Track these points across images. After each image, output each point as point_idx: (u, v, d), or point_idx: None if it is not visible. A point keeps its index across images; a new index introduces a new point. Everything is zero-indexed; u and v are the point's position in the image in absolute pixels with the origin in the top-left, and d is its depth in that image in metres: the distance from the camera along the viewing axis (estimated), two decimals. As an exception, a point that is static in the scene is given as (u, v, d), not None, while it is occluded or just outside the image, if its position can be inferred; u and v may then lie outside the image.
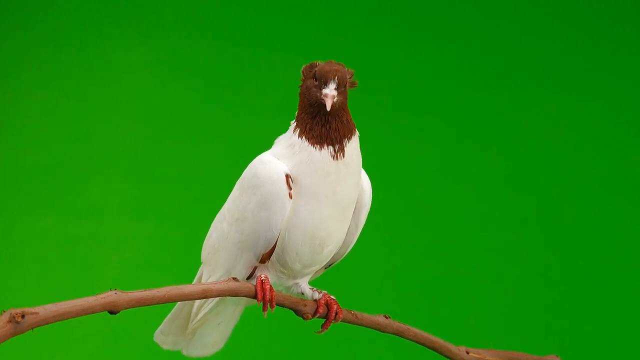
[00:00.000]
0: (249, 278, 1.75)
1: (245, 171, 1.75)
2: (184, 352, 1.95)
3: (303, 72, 1.74)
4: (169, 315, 1.91)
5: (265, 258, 1.72)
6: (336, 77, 1.68)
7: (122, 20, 3.11)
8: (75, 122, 3.05)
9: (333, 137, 1.68)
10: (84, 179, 3.01)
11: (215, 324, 1.91)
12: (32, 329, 1.49)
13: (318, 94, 1.68)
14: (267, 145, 1.77)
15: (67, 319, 1.53)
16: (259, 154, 1.75)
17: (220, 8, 3.15)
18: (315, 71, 1.70)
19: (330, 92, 1.67)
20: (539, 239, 3.01)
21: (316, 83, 1.69)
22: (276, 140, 1.76)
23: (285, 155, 1.71)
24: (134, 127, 3.06)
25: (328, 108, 1.65)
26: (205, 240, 1.84)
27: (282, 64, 3.07)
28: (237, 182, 1.77)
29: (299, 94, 1.74)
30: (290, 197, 1.68)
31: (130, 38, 3.10)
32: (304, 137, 1.69)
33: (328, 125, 1.69)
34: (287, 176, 1.69)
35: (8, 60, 3.08)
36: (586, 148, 3.06)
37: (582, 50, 3.12)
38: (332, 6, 3.14)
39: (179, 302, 1.88)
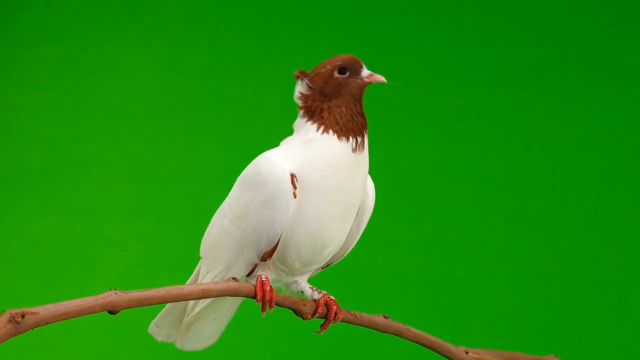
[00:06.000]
0: (248, 275, 1.75)
1: (247, 168, 1.75)
2: (178, 346, 1.95)
3: (317, 75, 1.75)
4: (163, 310, 1.91)
5: (266, 256, 1.72)
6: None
7: (123, 21, 3.11)
8: (75, 122, 3.05)
9: (361, 125, 1.72)
10: (84, 179, 3.01)
11: (210, 320, 1.91)
12: (32, 329, 1.49)
13: (359, 80, 1.74)
14: (267, 145, 1.77)
15: (67, 319, 1.52)
16: (259, 154, 1.74)
17: (220, 9, 3.15)
18: (340, 65, 1.74)
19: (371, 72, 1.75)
20: (538, 239, 3.01)
21: (346, 74, 1.73)
22: (282, 142, 1.76)
23: (297, 152, 1.71)
24: (134, 127, 3.06)
25: (385, 80, 1.74)
26: (204, 236, 1.84)
27: (282, 64, 3.06)
28: (238, 179, 1.77)
29: (320, 92, 1.74)
30: (295, 196, 1.68)
31: (131, 39, 3.10)
32: (330, 132, 1.71)
33: (358, 115, 1.72)
34: (292, 175, 1.68)
35: (8, 60, 3.08)
36: (586, 148, 3.06)
37: (582, 51, 3.12)
38: (332, 6, 3.14)
39: (174, 299, 1.89)
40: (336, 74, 1.73)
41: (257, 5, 3.14)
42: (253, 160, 1.74)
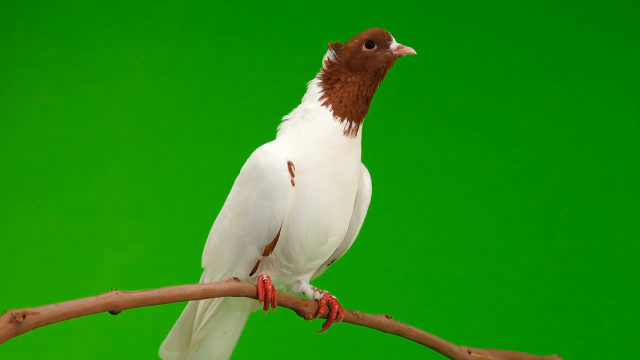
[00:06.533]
0: (251, 274, 1.74)
1: (245, 164, 1.75)
2: None
3: (345, 49, 1.74)
4: (173, 328, 1.90)
5: (268, 250, 1.71)
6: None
7: (122, 21, 3.11)
8: (75, 122, 3.05)
9: (360, 112, 1.71)
10: (84, 179, 3.01)
11: (220, 334, 1.89)
12: (33, 329, 1.49)
13: (387, 53, 1.73)
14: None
15: (68, 319, 1.52)
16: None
17: (220, 9, 3.15)
18: (367, 39, 1.73)
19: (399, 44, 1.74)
20: (540, 239, 3.00)
21: (374, 48, 1.73)
22: (282, 123, 1.76)
23: (292, 132, 1.71)
24: (134, 127, 3.06)
25: (415, 51, 1.72)
26: (205, 245, 1.83)
27: (282, 64, 3.07)
28: (237, 178, 1.77)
29: (346, 65, 1.73)
30: (293, 184, 1.68)
31: (130, 38, 3.10)
32: (330, 106, 1.71)
33: (363, 101, 1.72)
34: (290, 164, 1.68)
35: (8, 60, 3.08)
36: (586, 148, 3.06)
37: (582, 51, 3.12)
38: (332, 6, 3.14)
39: (182, 314, 1.88)
40: (363, 48, 1.73)
41: (257, 5, 3.14)
42: (251, 155, 1.74)
